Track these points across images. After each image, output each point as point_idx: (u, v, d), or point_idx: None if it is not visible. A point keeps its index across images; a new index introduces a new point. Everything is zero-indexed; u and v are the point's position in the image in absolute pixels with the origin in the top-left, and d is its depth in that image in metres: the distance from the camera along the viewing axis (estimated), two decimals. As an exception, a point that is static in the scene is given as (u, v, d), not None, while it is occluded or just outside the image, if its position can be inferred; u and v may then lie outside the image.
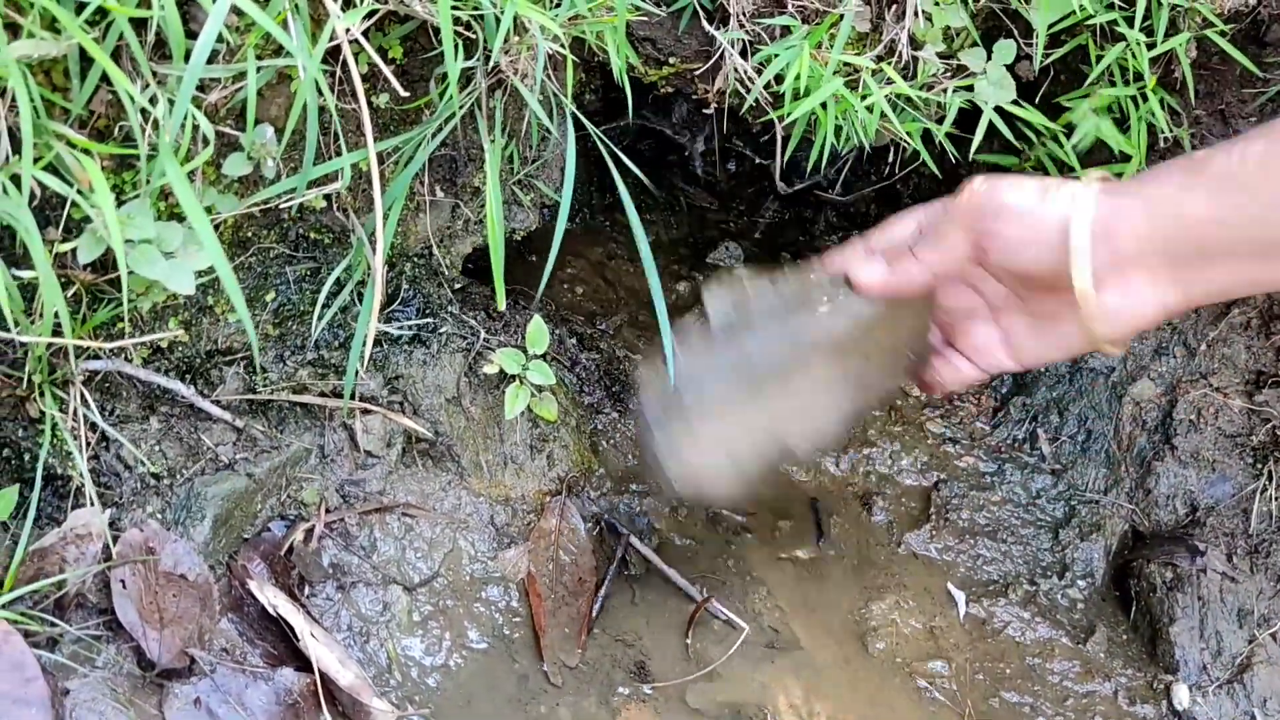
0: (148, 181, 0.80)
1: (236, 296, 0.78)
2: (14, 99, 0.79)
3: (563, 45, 1.01)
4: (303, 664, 0.98)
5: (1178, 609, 1.38)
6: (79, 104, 0.80)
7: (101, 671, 0.89)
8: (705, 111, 1.35)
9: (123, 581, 0.92)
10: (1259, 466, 1.45)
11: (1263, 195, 0.79)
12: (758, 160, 1.72)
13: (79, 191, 0.80)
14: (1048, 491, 1.51)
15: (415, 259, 1.22)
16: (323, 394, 1.12)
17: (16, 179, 0.74)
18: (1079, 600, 1.41)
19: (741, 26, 1.23)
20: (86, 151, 0.80)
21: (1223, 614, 1.37)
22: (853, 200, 1.77)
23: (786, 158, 1.31)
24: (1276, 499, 1.43)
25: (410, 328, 1.19)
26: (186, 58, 0.82)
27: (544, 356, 1.26)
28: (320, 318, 1.07)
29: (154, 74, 0.81)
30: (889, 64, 1.22)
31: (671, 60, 1.31)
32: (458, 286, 1.32)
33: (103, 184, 0.75)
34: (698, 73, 1.29)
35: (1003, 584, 1.41)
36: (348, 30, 0.86)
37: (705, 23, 1.24)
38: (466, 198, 1.23)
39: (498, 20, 0.93)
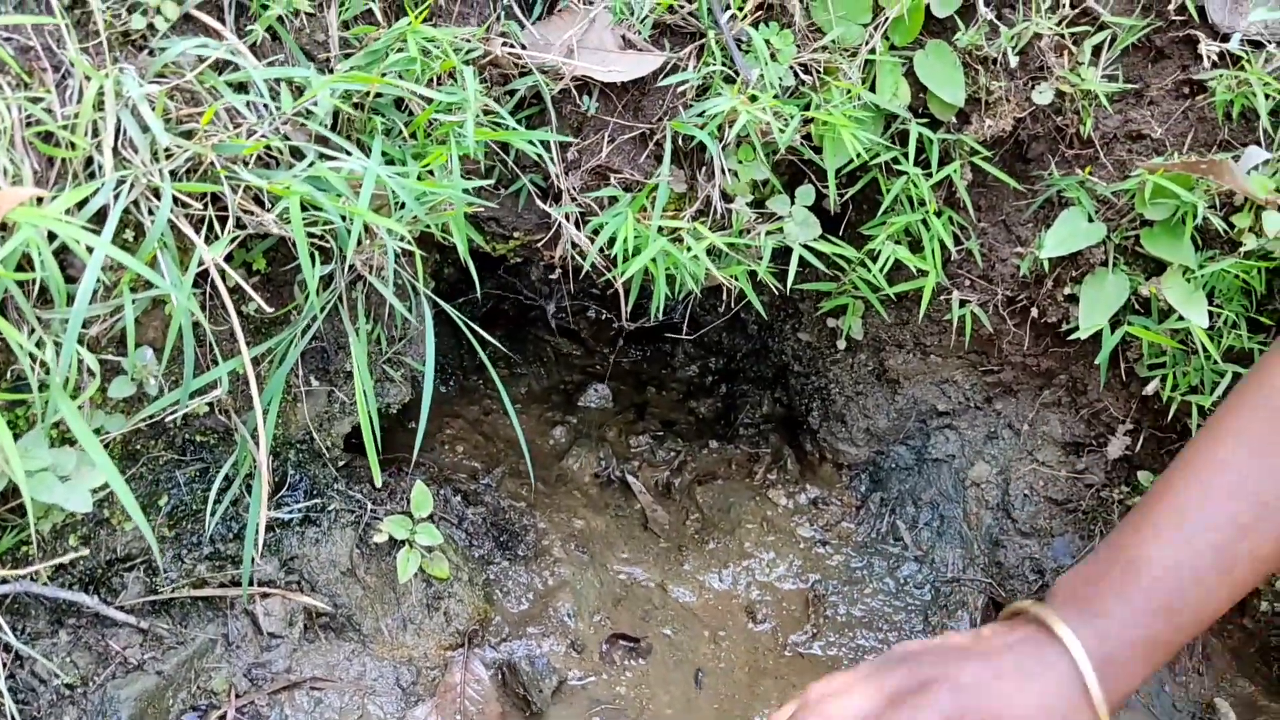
0: (41, 418, 0.89)
1: (134, 510, 0.87)
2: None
3: (409, 242, 1.13)
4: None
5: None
6: (-29, 356, 0.89)
7: None
8: (553, 277, 1.49)
9: (45, 793, 0.96)
10: (1091, 526, 1.60)
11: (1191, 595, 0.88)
12: (605, 314, 1.86)
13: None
14: (914, 577, 1.64)
15: (298, 445, 1.30)
16: (222, 584, 1.18)
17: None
18: (954, 674, 1.53)
19: (573, 200, 1.38)
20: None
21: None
22: (703, 333, 1.92)
23: (630, 307, 1.44)
24: (1111, 555, 1.59)
25: (300, 510, 1.27)
26: (66, 300, 0.92)
27: (430, 518, 1.35)
28: (213, 514, 1.15)
29: (38, 319, 0.91)
30: (703, 222, 1.38)
31: (515, 234, 1.45)
32: (341, 464, 1.40)
33: (3, 428, 0.83)
34: (540, 243, 1.43)
35: (883, 670, 1.51)
36: (214, 259, 0.96)
37: (539, 201, 1.38)
38: (340, 382, 1.33)
39: (348, 231, 1.05)
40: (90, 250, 0.85)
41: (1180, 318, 1.38)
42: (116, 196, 0.91)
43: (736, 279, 1.41)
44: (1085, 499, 1.61)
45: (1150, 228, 1.40)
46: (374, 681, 1.26)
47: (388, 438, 1.21)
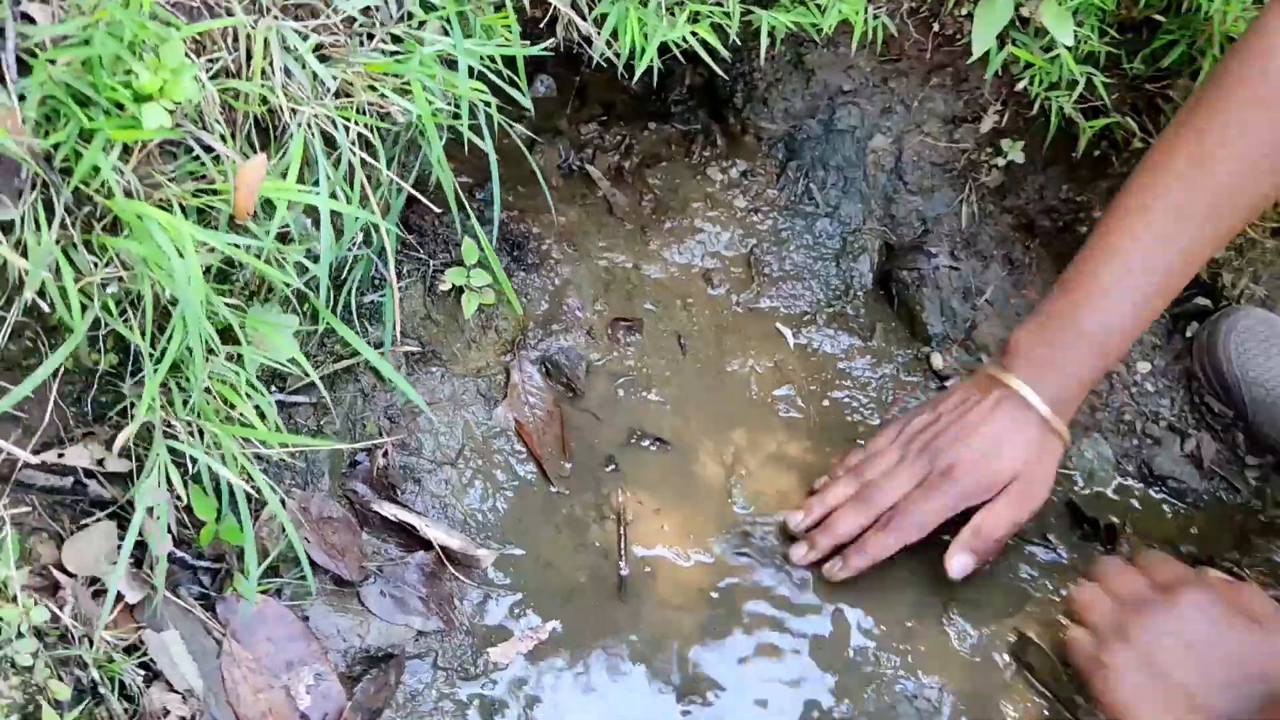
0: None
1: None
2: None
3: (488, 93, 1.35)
4: (423, 545, 1.47)
5: (924, 298, 2.01)
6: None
7: (320, 597, 1.37)
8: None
9: (306, 539, 1.36)
10: (961, 182, 2.05)
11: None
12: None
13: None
14: (826, 230, 2.07)
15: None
16: (353, 354, 1.52)
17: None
18: (861, 308, 2.03)
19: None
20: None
21: (954, 294, 2.02)
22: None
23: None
24: (974, 203, 2.06)
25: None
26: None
27: (479, 263, 1.68)
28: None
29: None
30: None
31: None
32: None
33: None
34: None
35: (812, 313, 2.00)
36: (392, 176, 1.20)
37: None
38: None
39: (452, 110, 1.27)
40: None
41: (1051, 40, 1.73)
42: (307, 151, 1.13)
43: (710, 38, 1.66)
44: (959, 162, 2.04)
45: (1035, -42, 1.71)
46: (462, 396, 1.66)
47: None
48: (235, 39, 1.08)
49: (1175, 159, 1.31)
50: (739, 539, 1.68)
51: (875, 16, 1.82)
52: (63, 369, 1.12)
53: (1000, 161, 2.01)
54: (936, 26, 1.83)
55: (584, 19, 1.54)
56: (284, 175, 1.10)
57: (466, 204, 1.55)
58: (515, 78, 1.39)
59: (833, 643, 1.57)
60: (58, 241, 0.96)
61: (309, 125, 1.13)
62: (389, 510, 1.45)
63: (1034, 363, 1.37)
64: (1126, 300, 1.33)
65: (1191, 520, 1.93)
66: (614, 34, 1.55)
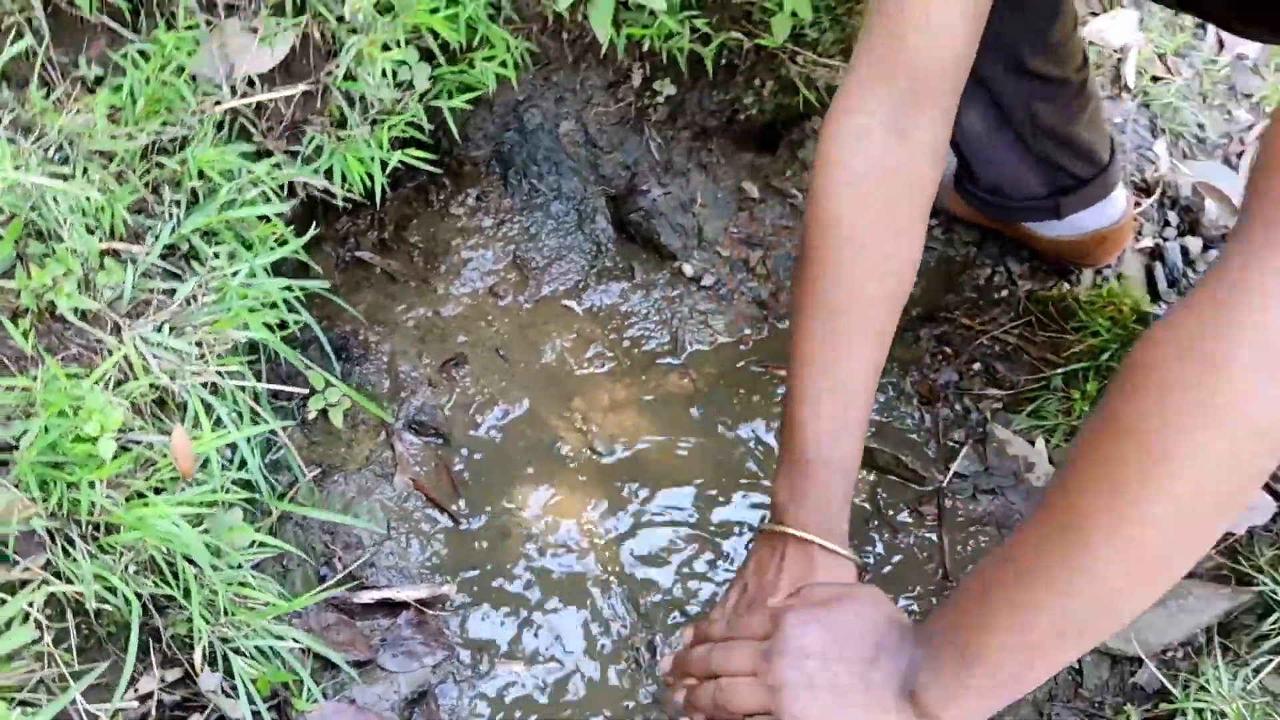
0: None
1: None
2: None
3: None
4: (402, 606, 1.89)
5: (656, 226, 2.48)
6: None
7: (354, 682, 1.78)
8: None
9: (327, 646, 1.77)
10: (641, 126, 2.51)
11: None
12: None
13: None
14: (561, 210, 2.50)
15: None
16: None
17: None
18: (616, 257, 2.48)
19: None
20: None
21: (675, 212, 2.49)
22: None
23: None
24: (656, 137, 2.52)
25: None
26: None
27: (326, 385, 2.05)
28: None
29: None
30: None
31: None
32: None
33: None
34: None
35: (583, 279, 2.44)
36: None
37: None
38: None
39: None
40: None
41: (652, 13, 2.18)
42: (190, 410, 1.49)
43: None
44: (631, 112, 2.49)
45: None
46: (367, 485, 2.06)
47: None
48: (112, 355, 1.43)
49: (811, 342, 1.49)
50: (611, 486, 2.15)
51: (518, 47, 2.23)
52: (108, 634, 1.49)
53: (660, 99, 2.47)
54: (565, 35, 2.25)
55: (317, 178, 1.90)
56: (196, 424, 1.47)
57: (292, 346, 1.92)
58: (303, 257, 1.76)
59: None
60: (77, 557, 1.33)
61: (191, 387, 1.49)
62: (365, 597, 1.86)
63: (794, 510, 1.53)
64: (844, 441, 1.52)
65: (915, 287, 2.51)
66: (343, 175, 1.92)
